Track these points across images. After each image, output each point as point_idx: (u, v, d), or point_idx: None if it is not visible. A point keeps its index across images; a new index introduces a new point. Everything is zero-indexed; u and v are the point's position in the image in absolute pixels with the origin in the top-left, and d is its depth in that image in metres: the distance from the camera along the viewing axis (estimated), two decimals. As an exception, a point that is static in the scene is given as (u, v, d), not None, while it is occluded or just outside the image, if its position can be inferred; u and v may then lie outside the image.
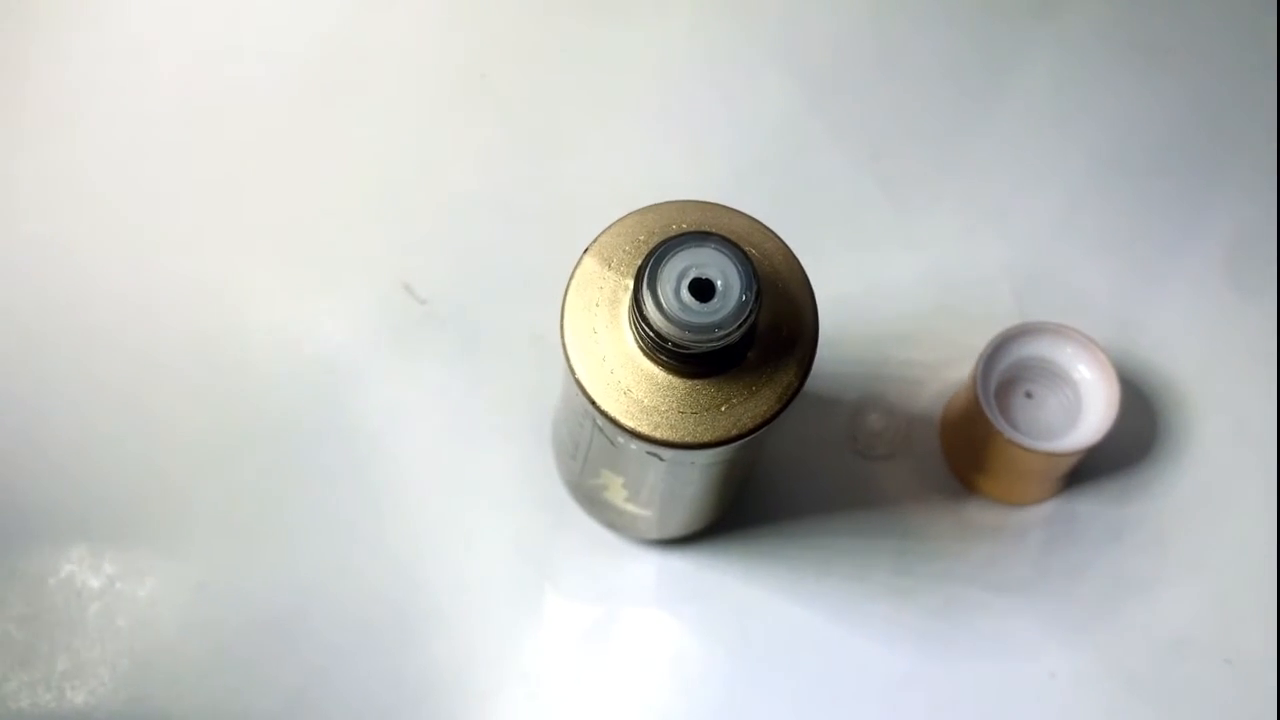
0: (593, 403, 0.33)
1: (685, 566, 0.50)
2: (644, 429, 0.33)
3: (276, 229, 0.52)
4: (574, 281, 0.34)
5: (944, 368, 0.52)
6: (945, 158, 0.56)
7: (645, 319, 0.32)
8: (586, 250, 0.34)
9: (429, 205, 0.53)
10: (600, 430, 0.36)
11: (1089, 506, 0.51)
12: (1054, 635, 0.49)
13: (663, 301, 0.31)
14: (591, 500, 0.46)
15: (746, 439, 0.33)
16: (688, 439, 0.33)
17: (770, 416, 0.33)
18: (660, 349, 0.33)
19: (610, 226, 0.34)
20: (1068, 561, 0.50)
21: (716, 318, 0.31)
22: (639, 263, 0.32)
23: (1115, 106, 0.56)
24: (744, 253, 0.32)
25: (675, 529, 0.47)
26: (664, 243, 0.31)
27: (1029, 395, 0.50)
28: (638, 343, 0.33)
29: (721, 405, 0.33)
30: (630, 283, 0.33)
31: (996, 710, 0.48)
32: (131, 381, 0.50)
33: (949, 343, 0.52)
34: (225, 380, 0.50)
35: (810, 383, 0.51)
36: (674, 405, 0.33)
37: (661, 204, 0.34)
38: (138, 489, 0.49)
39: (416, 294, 0.52)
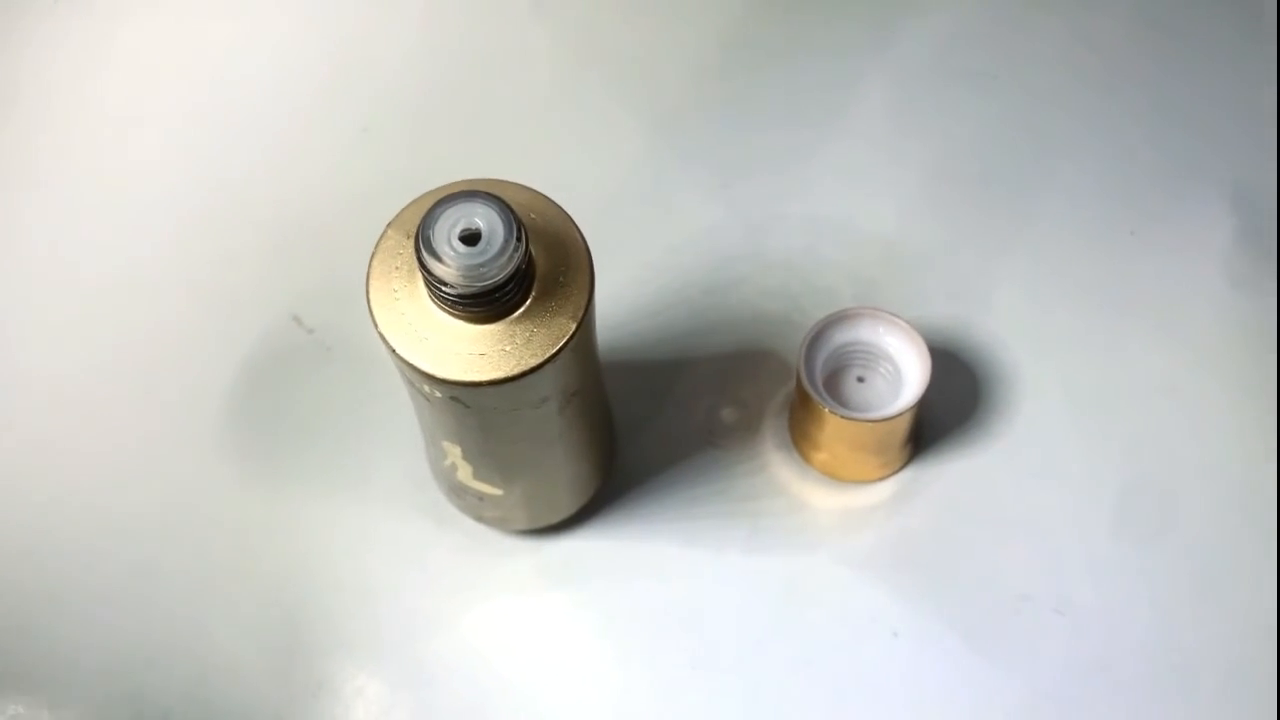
0: (394, 352, 0.38)
1: (557, 557, 0.54)
2: (439, 371, 0.38)
3: (176, 265, 0.58)
4: (378, 251, 0.39)
5: (790, 369, 0.56)
6: (789, 181, 0.61)
7: (426, 267, 0.37)
8: (389, 224, 0.39)
9: (315, 244, 0.59)
10: (414, 386, 0.40)
11: (929, 480, 0.54)
12: (897, 599, 0.52)
13: (436, 249, 0.36)
14: (456, 491, 0.50)
15: (527, 378, 0.38)
16: (475, 378, 0.38)
17: (547, 357, 0.38)
18: (445, 298, 0.38)
19: (411, 203, 0.40)
20: (910, 531, 0.54)
21: (483, 259, 0.36)
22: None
23: (944, 126, 0.62)
24: (507, 205, 0.37)
25: (538, 514, 0.51)
26: (438, 202, 0.36)
27: (860, 380, 0.54)
28: (430, 297, 0.38)
29: (505, 346, 0.38)
30: (425, 247, 0.38)
31: (843, 668, 0.51)
32: (39, 407, 0.55)
33: (793, 347, 0.57)
34: (120, 406, 0.55)
35: (671, 385, 0.57)
36: (464, 349, 0.38)
37: (457, 182, 0.40)
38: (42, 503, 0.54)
39: (304, 324, 0.57)
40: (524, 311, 0.38)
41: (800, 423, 0.54)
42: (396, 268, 0.39)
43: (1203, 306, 0.57)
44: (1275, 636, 0.50)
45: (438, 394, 0.39)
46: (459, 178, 0.60)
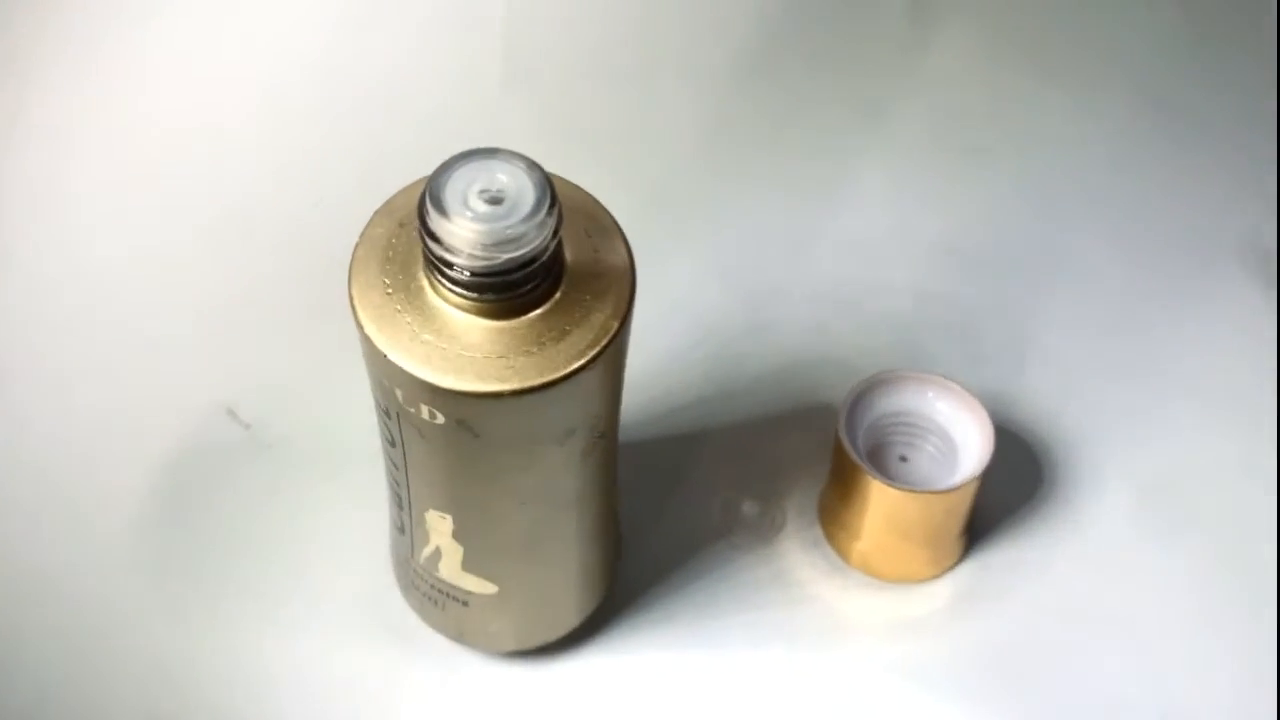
0: (384, 358, 0.30)
1: (552, 684, 0.44)
2: (448, 380, 0.29)
3: (91, 349, 0.49)
4: (362, 241, 0.31)
5: (813, 453, 0.49)
6: (788, 258, 0.56)
7: (433, 235, 0.28)
8: (377, 211, 0.32)
9: (253, 328, 0.51)
10: (402, 419, 0.31)
11: (991, 576, 0.47)
12: (978, 714, 0.43)
13: (448, 208, 0.28)
14: (433, 597, 0.41)
15: (561, 389, 0.29)
16: (498, 386, 0.29)
17: (588, 359, 0.30)
18: (457, 281, 0.29)
19: (405, 188, 0.32)
20: (978, 637, 0.45)
21: (510, 222, 0.28)
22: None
23: (949, 202, 0.58)
24: (538, 165, 0.29)
25: (533, 625, 0.42)
26: (450, 159, 0.29)
27: (904, 459, 0.46)
28: (435, 285, 0.30)
29: (531, 347, 0.30)
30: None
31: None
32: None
33: (814, 429, 0.50)
34: (21, 512, 0.45)
35: (679, 476, 0.48)
36: (479, 349, 0.30)
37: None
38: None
39: (240, 418, 0.48)
40: (553, 306, 0.30)
41: (835, 508, 0.46)
42: (389, 258, 0.31)
43: (1248, 377, 0.51)
44: None
45: (439, 418, 0.30)
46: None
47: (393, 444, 0.34)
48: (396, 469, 0.35)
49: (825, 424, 0.48)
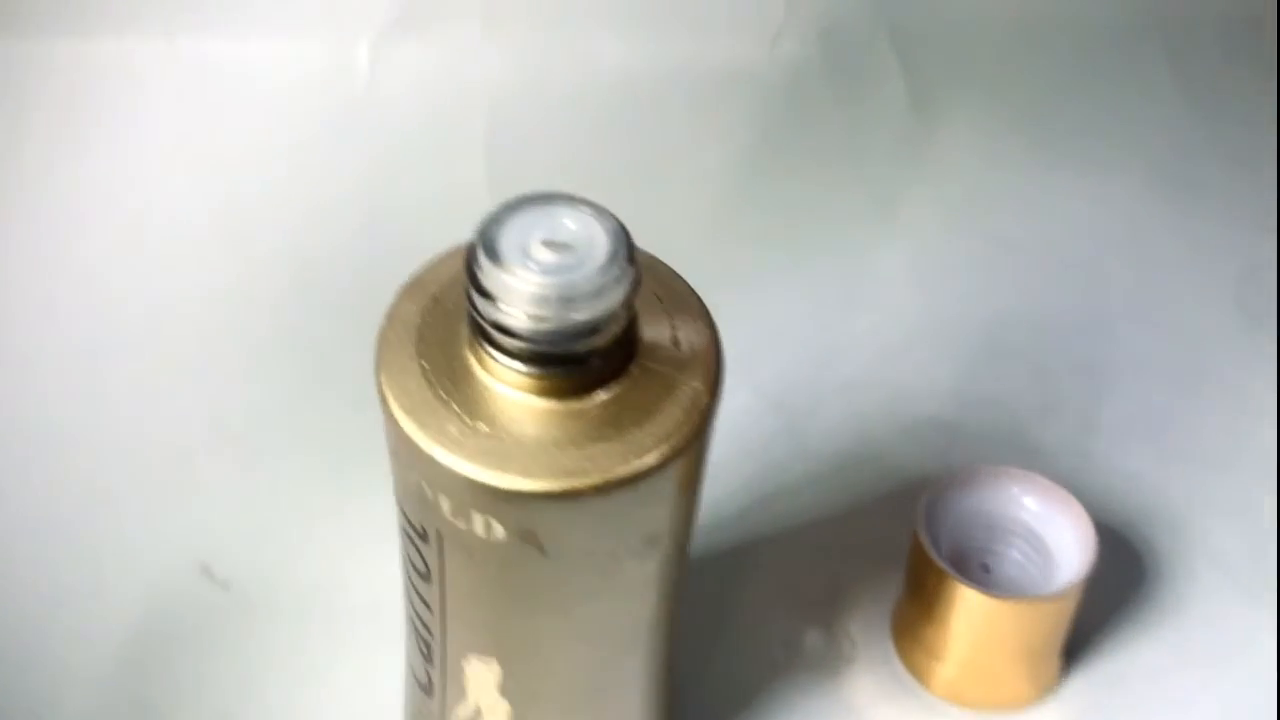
0: (431, 459, 0.23)
1: None
2: (511, 478, 0.23)
3: (36, 499, 0.43)
4: (389, 323, 0.25)
5: (877, 564, 0.43)
6: (821, 360, 0.52)
7: (484, 292, 0.23)
8: (402, 290, 0.26)
9: (227, 467, 0.44)
10: (451, 539, 0.25)
11: (1101, 692, 0.41)
12: None
13: (507, 262, 0.23)
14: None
15: (652, 481, 0.23)
16: (577, 482, 0.23)
17: (682, 437, 0.24)
18: (517, 352, 0.24)
19: (431, 262, 0.26)
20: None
21: (584, 273, 0.23)
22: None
23: (965, 288, 0.54)
24: (607, 211, 0.24)
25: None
26: (505, 205, 0.23)
27: (986, 569, 0.41)
28: (485, 360, 0.24)
29: (609, 429, 0.24)
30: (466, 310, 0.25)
31: None
32: None
33: (873, 537, 0.44)
34: None
35: (729, 608, 0.42)
36: (545, 438, 0.24)
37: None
38: None
39: (216, 576, 0.42)
40: (629, 380, 0.25)
41: (914, 625, 0.40)
42: (423, 337, 0.25)
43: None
44: None
45: (498, 532, 0.24)
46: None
47: (426, 578, 0.27)
48: (429, 610, 0.28)
49: (884, 531, 0.43)
